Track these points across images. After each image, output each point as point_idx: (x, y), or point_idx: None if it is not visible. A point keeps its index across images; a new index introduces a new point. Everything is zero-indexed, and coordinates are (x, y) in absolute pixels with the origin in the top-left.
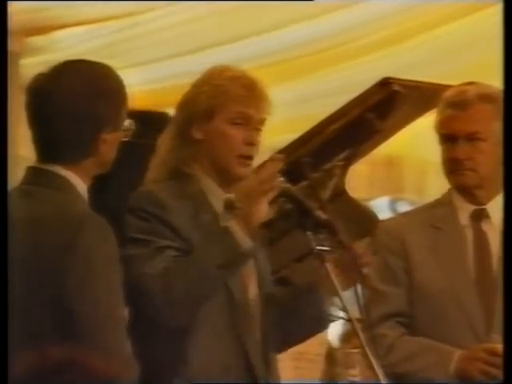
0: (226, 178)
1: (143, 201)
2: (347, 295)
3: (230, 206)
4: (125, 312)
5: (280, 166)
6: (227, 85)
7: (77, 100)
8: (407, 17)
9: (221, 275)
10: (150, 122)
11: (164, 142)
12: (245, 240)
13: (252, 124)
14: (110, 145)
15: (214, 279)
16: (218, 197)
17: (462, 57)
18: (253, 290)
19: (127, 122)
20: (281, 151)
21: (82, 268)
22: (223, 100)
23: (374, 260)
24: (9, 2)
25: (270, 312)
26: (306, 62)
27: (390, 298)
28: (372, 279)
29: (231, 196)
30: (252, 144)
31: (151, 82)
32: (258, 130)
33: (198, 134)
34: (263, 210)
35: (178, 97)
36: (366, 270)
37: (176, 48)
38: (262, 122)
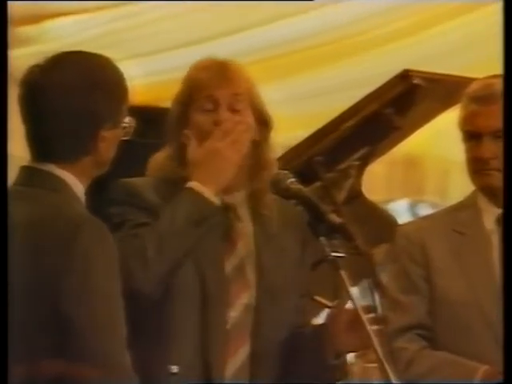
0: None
1: (115, 191)
2: (365, 302)
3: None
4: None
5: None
6: (192, 74)
7: (73, 94)
8: (413, 11)
9: (193, 232)
10: (151, 119)
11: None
12: (213, 198)
13: (224, 105)
14: (109, 143)
15: (186, 237)
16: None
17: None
18: (242, 300)
19: (127, 119)
20: (292, 149)
21: (79, 274)
22: (189, 91)
23: (393, 268)
24: (9, 2)
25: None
26: (310, 56)
27: (410, 309)
28: (390, 288)
29: (226, 198)
30: (219, 123)
31: (152, 74)
32: (234, 110)
33: (189, 134)
34: (228, 168)
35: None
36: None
37: (179, 39)
38: (236, 100)
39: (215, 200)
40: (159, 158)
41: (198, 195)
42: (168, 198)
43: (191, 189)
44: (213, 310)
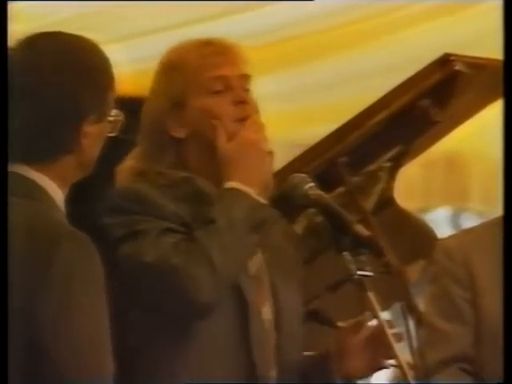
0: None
1: (119, 198)
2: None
3: None
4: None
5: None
6: (185, 57)
7: (50, 81)
8: None
9: (252, 237)
10: (140, 111)
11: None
12: (261, 200)
13: (235, 85)
14: (93, 139)
15: (246, 241)
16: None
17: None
18: (266, 316)
19: (114, 112)
20: (311, 149)
21: (58, 298)
22: (187, 76)
23: (431, 289)
24: (9, 2)
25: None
26: (324, 40)
27: (452, 339)
28: (428, 314)
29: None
30: (243, 102)
31: (140, 60)
32: (246, 90)
33: (178, 132)
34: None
35: None
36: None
37: (170, 19)
38: (245, 80)
39: (263, 201)
40: (132, 166)
41: (247, 197)
42: (181, 201)
43: (237, 190)
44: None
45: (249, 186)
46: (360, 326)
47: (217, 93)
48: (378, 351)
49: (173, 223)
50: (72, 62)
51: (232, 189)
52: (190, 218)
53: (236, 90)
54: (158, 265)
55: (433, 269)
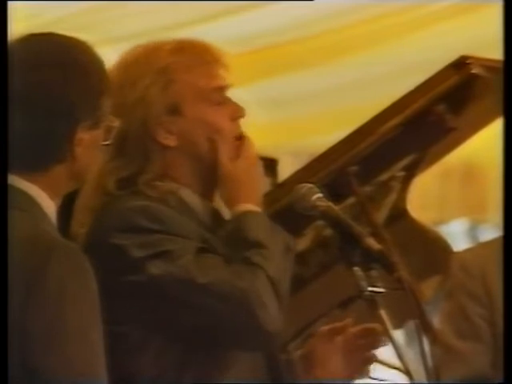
0: (212, 183)
1: (131, 217)
2: (411, 354)
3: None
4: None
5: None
6: (179, 61)
7: (41, 83)
8: None
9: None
10: None
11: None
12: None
13: (229, 98)
14: (87, 147)
15: (288, 265)
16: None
17: None
18: None
19: (109, 119)
20: (319, 158)
21: (50, 312)
22: (183, 83)
23: (447, 306)
24: (9, 2)
25: None
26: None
27: (469, 358)
28: (444, 332)
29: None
30: (240, 117)
31: None
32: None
33: (170, 141)
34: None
35: None
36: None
37: (165, 20)
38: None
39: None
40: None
41: (266, 219)
42: (189, 219)
43: (256, 212)
44: None
45: (258, 206)
46: (337, 331)
47: (216, 104)
48: (359, 357)
49: (200, 242)
50: (64, 65)
51: (251, 211)
52: (207, 235)
53: (232, 104)
54: (216, 286)
55: (448, 284)
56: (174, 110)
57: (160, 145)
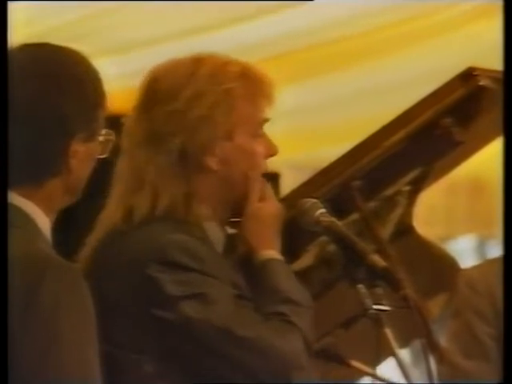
0: (233, 213)
1: (168, 250)
2: (417, 373)
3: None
4: None
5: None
6: (242, 87)
7: (37, 95)
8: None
9: None
10: None
11: (159, 174)
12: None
13: (263, 130)
14: (81, 161)
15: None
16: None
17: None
18: None
19: (105, 131)
20: (322, 172)
21: (43, 333)
22: (241, 110)
23: (454, 325)
24: (9, 1)
25: None
26: (348, 49)
27: (476, 377)
28: (451, 351)
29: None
30: (273, 155)
31: (133, 75)
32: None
33: (214, 164)
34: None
35: None
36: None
37: (166, 30)
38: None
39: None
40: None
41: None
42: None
43: (281, 261)
44: None
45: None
46: None
47: (258, 138)
48: None
49: (231, 284)
50: (58, 76)
51: (277, 260)
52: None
53: (268, 141)
54: (256, 342)
55: (455, 302)
56: (228, 135)
57: (204, 165)
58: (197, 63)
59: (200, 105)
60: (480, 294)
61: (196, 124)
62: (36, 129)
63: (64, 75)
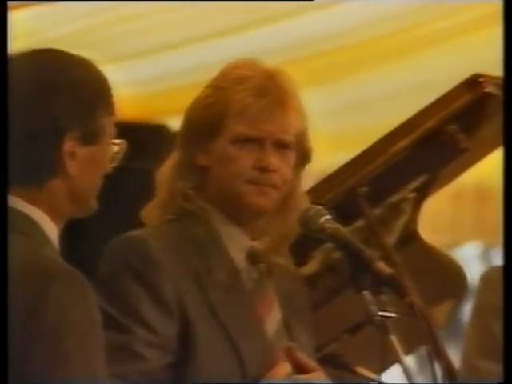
0: (241, 211)
1: (126, 252)
2: (423, 379)
3: (254, 259)
4: None
5: None
6: (230, 88)
7: (30, 94)
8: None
9: None
10: (142, 138)
11: (165, 172)
12: None
13: (268, 143)
14: (81, 163)
15: None
16: (234, 240)
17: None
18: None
19: (115, 141)
20: (328, 178)
21: (51, 342)
22: (223, 111)
23: (472, 325)
24: (9, 2)
25: None
26: (353, 57)
27: (494, 379)
28: (468, 351)
29: (257, 245)
30: (266, 170)
31: (141, 82)
32: (283, 150)
33: (202, 160)
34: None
35: (180, 103)
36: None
37: (175, 36)
38: (286, 140)
39: None
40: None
41: None
42: (186, 244)
43: None
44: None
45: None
46: None
47: (242, 143)
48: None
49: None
50: (53, 76)
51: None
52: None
53: (265, 152)
54: None
55: (474, 302)
56: (212, 132)
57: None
58: (224, 66)
59: (197, 100)
60: (500, 295)
61: (187, 118)
62: (31, 128)
63: (58, 75)
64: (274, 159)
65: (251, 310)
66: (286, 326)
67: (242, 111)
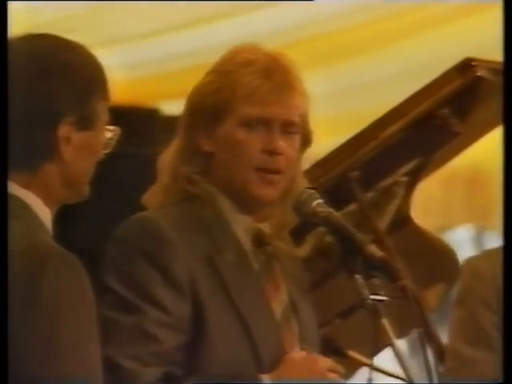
0: (247, 200)
1: (138, 233)
2: (414, 363)
3: (260, 241)
4: None
5: None
6: (237, 71)
7: (27, 79)
8: None
9: None
10: (135, 122)
11: (167, 158)
12: None
13: (276, 125)
14: (76, 149)
15: None
16: (240, 223)
17: None
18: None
19: (109, 126)
20: (320, 162)
21: (44, 327)
22: (231, 94)
23: (458, 313)
24: (9, 2)
25: None
26: (347, 41)
27: (479, 367)
28: (454, 339)
29: (261, 227)
30: (274, 152)
31: (133, 66)
32: (289, 132)
33: (206, 145)
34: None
35: (173, 87)
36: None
37: (166, 20)
38: (293, 121)
39: None
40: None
41: None
42: (194, 225)
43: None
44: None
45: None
46: None
47: (250, 126)
48: None
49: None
50: (48, 61)
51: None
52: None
53: (273, 134)
54: None
55: (459, 290)
56: (217, 117)
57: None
58: (227, 50)
59: (200, 84)
60: (485, 283)
61: (189, 103)
62: (27, 112)
63: (54, 60)
64: (281, 142)
65: (261, 291)
66: (293, 307)
67: (250, 93)
